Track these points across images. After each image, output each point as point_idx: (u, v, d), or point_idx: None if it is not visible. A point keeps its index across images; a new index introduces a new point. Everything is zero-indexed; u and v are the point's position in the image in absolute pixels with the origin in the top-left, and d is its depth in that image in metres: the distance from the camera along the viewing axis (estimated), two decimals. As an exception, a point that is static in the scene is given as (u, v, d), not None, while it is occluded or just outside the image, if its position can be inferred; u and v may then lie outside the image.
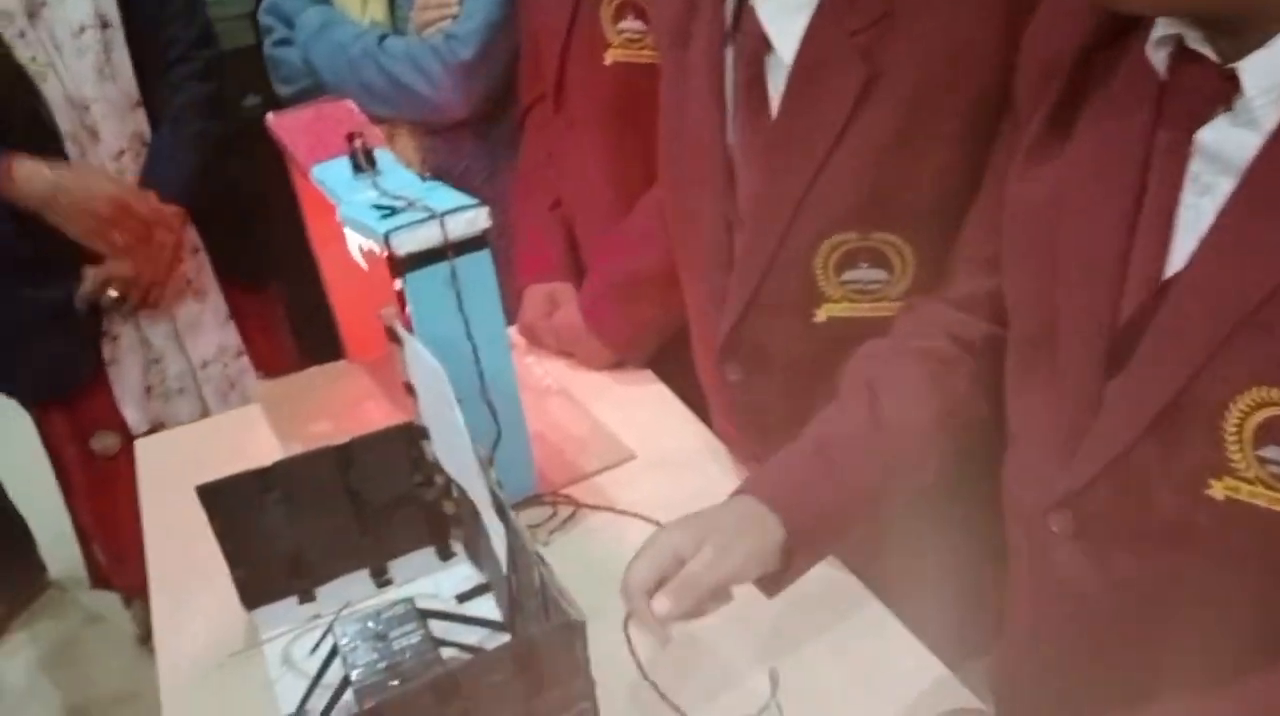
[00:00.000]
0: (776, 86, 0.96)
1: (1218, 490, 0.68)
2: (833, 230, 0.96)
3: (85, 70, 1.68)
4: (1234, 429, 0.66)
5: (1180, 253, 0.69)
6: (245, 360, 1.95)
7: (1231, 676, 0.72)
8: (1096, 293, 0.73)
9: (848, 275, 0.98)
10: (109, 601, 2.50)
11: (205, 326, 1.91)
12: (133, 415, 1.90)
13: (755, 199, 1.00)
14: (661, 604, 0.83)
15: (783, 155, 0.96)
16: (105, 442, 1.92)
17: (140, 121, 1.76)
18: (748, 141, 1.00)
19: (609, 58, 1.38)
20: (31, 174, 1.67)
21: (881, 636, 1.00)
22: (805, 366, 1.04)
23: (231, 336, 1.93)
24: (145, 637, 2.36)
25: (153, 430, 1.85)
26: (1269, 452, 0.65)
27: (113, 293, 1.77)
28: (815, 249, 0.97)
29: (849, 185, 0.93)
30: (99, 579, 2.30)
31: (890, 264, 0.96)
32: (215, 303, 1.91)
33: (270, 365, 1.98)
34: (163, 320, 1.87)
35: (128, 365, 1.87)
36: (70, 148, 1.71)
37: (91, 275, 1.76)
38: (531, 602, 0.91)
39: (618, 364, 1.47)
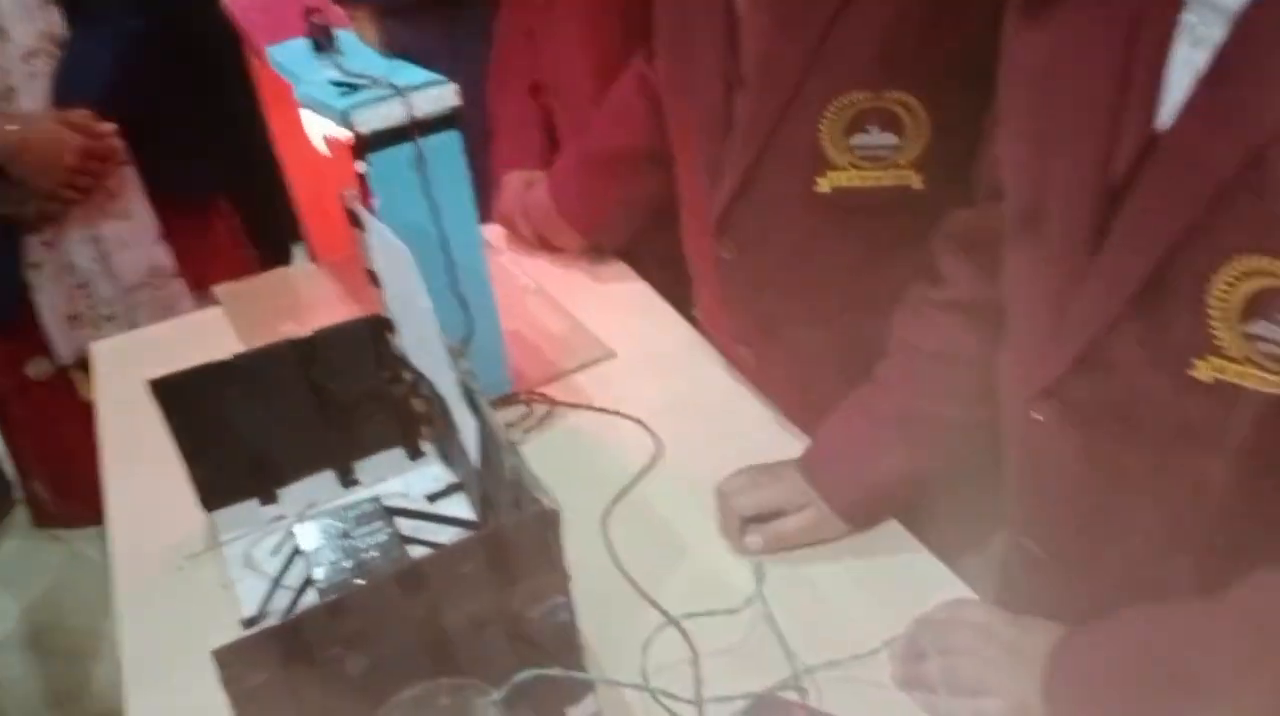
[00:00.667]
0: None
1: (1202, 371, 0.63)
2: (844, 89, 0.89)
3: None
4: (1219, 301, 0.61)
5: (1171, 109, 0.64)
6: (181, 283, 1.85)
7: (1222, 568, 0.68)
8: (1084, 154, 0.68)
9: (856, 139, 0.91)
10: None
11: (133, 246, 1.78)
12: (59, 344, 1.79)
13: (762, 56, 0.93)
14: (755, 542, 0.94)
15: (794, 6, 0.89)
16: (41, 368, 1.83)
17: (52, 19, 1.63)
18: None
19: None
20: None
21: (874, 531, 0.95)
22: (803, 241, 0.99)
23: (163, 256, 1.80)
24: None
25: (82, 359, 1.75)
26: (1257, 328, 0.60)
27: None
28: (823, 110, 0.90)
29: (865, 37, 0.87)
30: (43, 516, 2.18)
31: (902, 126, 0.90)
32: (144, 220, 1.77)
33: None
34: (86, 242, 1.74)
35: (51, 292, 1.76)
36: None
37: None
38: (504, 497, 0.86)
39: (592, 250, 1.41)
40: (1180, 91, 0.63)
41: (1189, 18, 0.63)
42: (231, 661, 0.68)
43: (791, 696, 0.78)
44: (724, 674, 0.82)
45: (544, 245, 1.43)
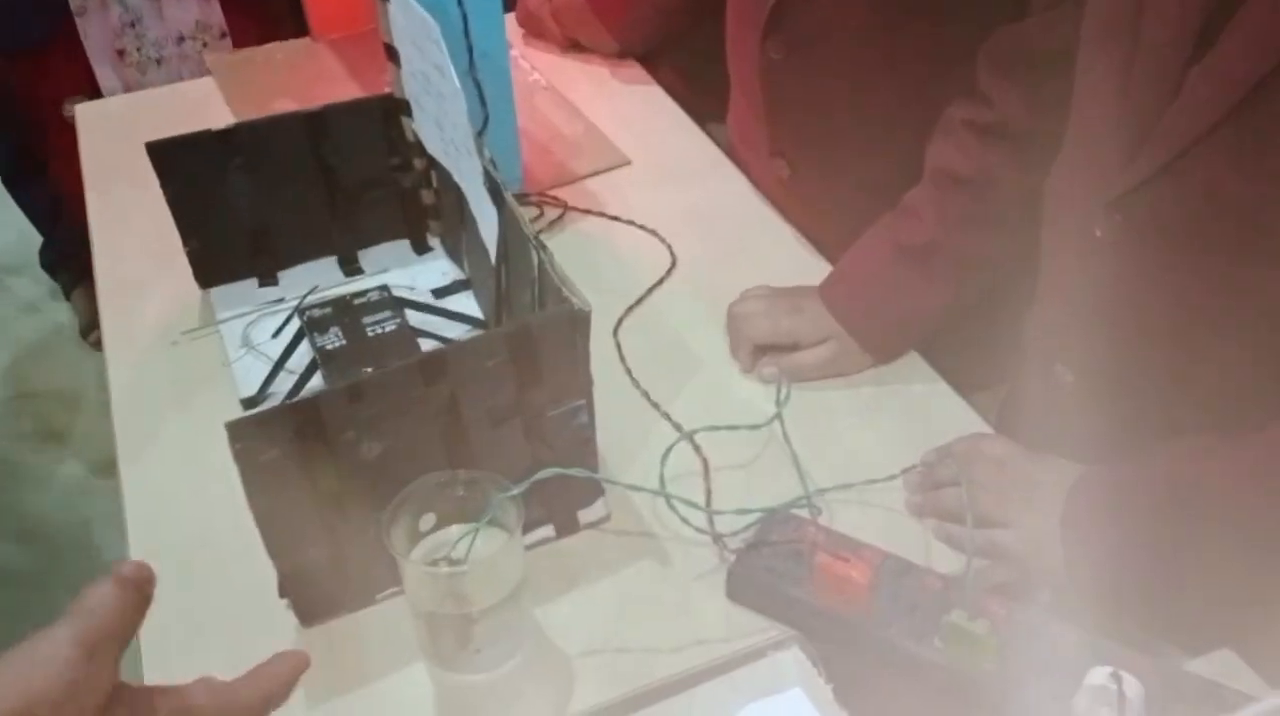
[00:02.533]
0: None
1: None
2: None
3: None
4: None
5: None
6: (227, 44, 1.79)
7: (1258, 398, 0.67)
8: None
9: None
10: (43, 292, 2.40)
11: None
12: (104, 77, 1.77)
13: None
14: (770, 373, 0.91)
15: None
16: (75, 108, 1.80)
17: None
18: None
19: None
20: None
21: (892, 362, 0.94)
22: (861, 43, 0.92)
23: (215, 14, 1.77)
24: (87, 331, 2.28)
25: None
26: None
27: None
28: None
29: None
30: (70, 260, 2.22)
31: None
32: None
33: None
34: None
35: (98, 19, 1.73)
36: None
37: None
38: (524, 296, 0.83)
39: (619, 54, 1.34)
40: None
41: None
42: (244, 435, 0.66)
43: (803, 514, 0.77)
44: (736, 489, 0.82)
45: (570, 47, 1.36)
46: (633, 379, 0.91)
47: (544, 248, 0.77)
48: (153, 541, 0.82)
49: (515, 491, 0.68)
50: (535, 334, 0.71)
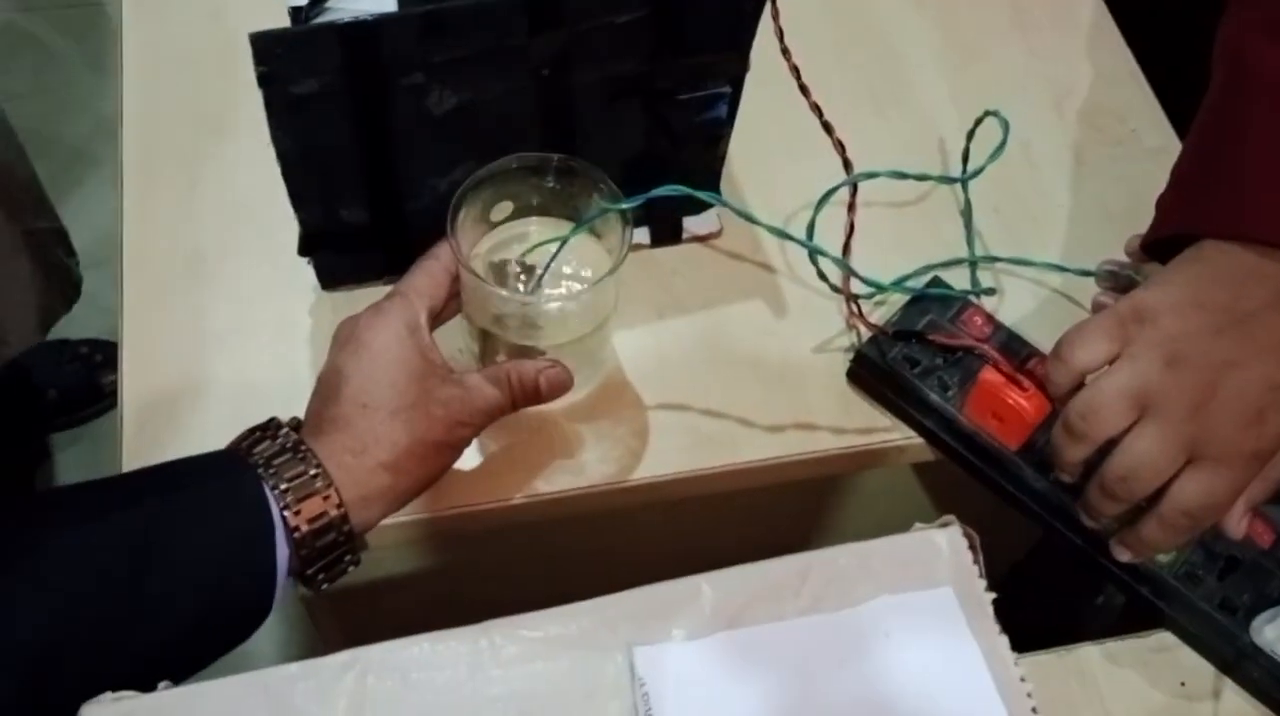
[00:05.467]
0: None
1: None
2: None
3: None
4: None
5: None
6: None
7: None
8: None
9: None
10: None
11: None
12: None
13: None
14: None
15: None
16: None
17: None
18: None
19: None
20: None
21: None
22: None
23: None
24: None
25: None
26: None
27: None
28: None
29: None
30: None
31: None
32: None
33: None
34: None
35: None
36: None
37: None
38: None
39: None
40: None
41: None
42: (274, 56, 0.47)
43: (969, 295, 0.61)
44: (886, 243, 0.64)
45: None
46: (786, 54, 0.70)
47: None
48: (149, 139, 0.65)
49: (627, 205, 0.51)
50: (693, -9, 0.51)
